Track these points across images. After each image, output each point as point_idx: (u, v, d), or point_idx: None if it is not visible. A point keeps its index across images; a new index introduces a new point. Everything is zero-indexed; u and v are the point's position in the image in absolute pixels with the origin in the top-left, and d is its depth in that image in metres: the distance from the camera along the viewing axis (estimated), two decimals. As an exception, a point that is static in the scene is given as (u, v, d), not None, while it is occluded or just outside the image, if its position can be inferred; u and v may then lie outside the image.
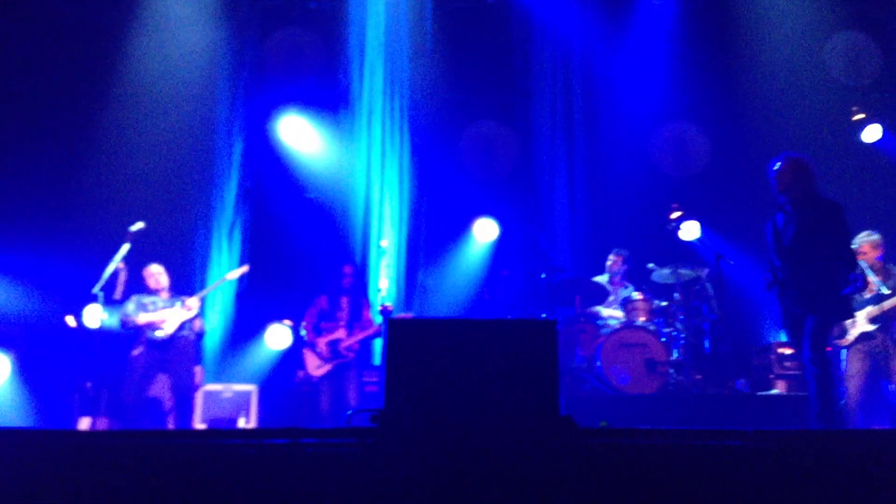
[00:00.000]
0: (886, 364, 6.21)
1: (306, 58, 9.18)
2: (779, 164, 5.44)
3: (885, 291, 6.16)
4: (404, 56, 9.50)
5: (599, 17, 9.46)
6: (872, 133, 8.12)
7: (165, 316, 6.82)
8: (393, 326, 3.42)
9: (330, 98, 9.29)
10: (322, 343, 7.22)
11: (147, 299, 6.94)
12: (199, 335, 7.14)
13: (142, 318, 6.78)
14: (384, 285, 7.26)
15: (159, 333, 6.74)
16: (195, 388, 7.11)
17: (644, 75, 9.34)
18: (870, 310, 6.18)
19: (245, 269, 7.61)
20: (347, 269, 7.48)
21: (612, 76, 9.45)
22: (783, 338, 7.63)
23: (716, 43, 9.28)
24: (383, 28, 9.50)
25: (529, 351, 3.36)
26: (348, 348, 7.19)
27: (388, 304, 7.13)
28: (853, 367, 6.16)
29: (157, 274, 7.06)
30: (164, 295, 7.03)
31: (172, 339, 6.78)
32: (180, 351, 6.82)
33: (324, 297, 7.42)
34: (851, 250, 5.30)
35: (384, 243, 7.77)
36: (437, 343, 3.37)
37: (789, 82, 8.83)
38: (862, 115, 8.21)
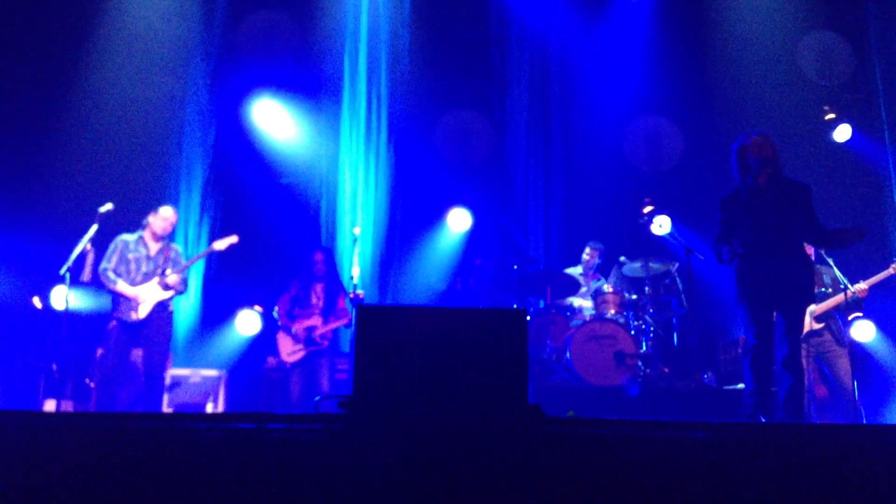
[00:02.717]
0: (832, 363, 6.34)
1: (281, 42, 9.10)
2: (763, 137, 5.24)
3: (862, 285, 6.30)
4: (381, 42, 9.46)
5: (576, 11, 9.48)
6: (843, 133, 8.22)
7: (143, 295, 6.53)
8: (363, 313, 3.42)
9: (305, 83, 9.23)
10: (296, 329, 7.18)
11: (132, 253, 6.62)
12: (179, 291, 6.83)
13: (120, 286, 6.50)
14: (356, 273, 7.23)
15: (133, 315, 6.51)
16: (166, 367, 6.94)
17: (619, 69, 9.39)
18: (813, 308, 6.30)
19: (234, 239, 7.07)
20: (318, 257, 7.43)
21: (588, 70, 9.48)
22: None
23: (691, 39, 9.34)
24: (361, 13, 9.45)
25: (499, 340, 3.37)
26: (322, 336, 7.16)
27: (360, 291, 7.11)
28: None
29: (168, 219, 6.72)
30: (155, 248, 6.69)
31: (148, 316, 6.61)
32: (155, 328, 6.58)
33: (297, 284, 7.38)
34: (823, 229, 5.16)
35: (357, 231, 7.73)
36: (407, 330, 3.37)
37: (763, 80, 8.91)
38: (833, 115, 8.31)
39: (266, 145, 9.12)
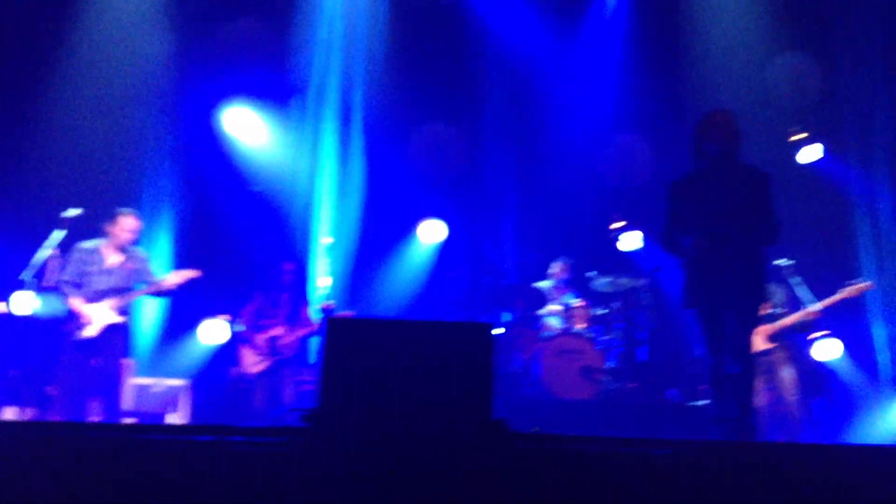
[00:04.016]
0: (776, 376, 6.44)
1: (256, 49, 9.02)
2: (724, 116, 4.84)
3: (816, 307, 6.38)
4: (358, 52, 9.44)
5: (553, 27, 9.55)
6: (811, 153, 8.32)
7: (93, 315, 6.33)
8: (331, 325, 3.39)
9: (278, 91, 9.17)
10: (260, 339, 7.14)
11: (89, 266, 6.39)
12: (165, 293, 6.70)
13: (73, 302, 6.33)
14: (325, 283, 7.20)
15: (79, 334, 6.29)
16: (122, 378, 6.65)
17: (594, 85, 9.47)
18: (766, 328, 6.39)
19: (196, 273, 6.78)
20: (288, 266, 7.41)
21: (563, 85, 9.54)
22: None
23: (664, 58, 9.43)
24: (337, 23, 9.43)
25: (465, 353, 3.35)
26: (287, 345, 7.12)
27: (329, 302, 7.08)
28: None
29: (129, 229, 6.46)
30: (115, 260, 6.46)
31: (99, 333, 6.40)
32: (106, 341, 6.38)
33: (262, 293, 7.34)
34: (777, 224, 4.75)
35: (327, 240, 7.71)
36: (374, 343, 3.35)
37: (733, 99, 8.98)
38: (802, 135, 8.42)
39: (237, 152, 9.05)
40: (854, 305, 7.16)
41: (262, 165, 9.09)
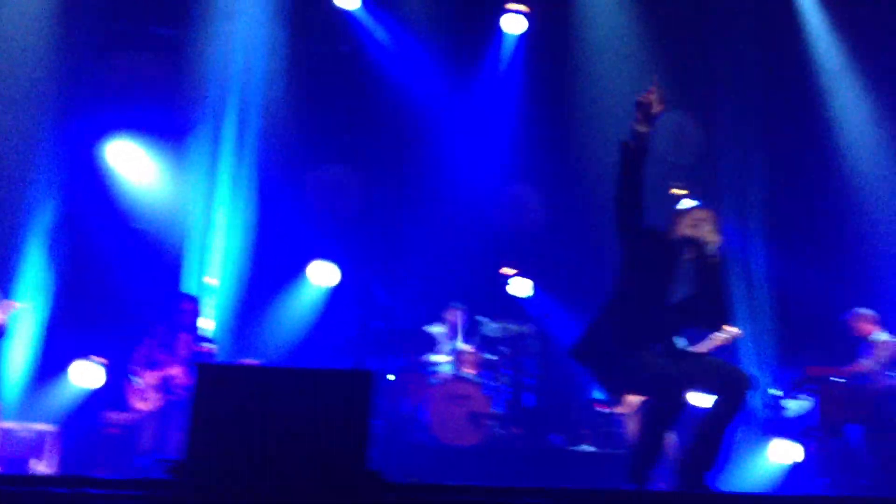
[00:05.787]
0: None
1: (147, 84, 8.80)
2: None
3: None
4: (254, 92, 9.33)
5: (449, 77, 9.72)
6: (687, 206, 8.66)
7: None
8: (201, 371, 3.27)
9: (168, 128, 8.93)
10: (153, 377, 6.81)
11: None
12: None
13: None
14: (208, 325, 6.97)
15: None
16: None
17: (487, 136, 9.66)
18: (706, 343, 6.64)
19: (22, 305, 6.77)
20: (188, 305, 7.14)
21: (458, 134, 9.70)
22: (598, 395, 7.93)
23: (554, 111, 9.74)
24: (234, 62, 9.31)
25: (342, 401, 3.28)
26: (181, 386, 6.83)
27: (213, 346, 6.85)
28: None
29: None
30: None
31: None
32: None
33: (160, 331, 7.03)
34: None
35: (212, 281, 7.47)
36: (247, 391, 3.23)
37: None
38: (683, 191, 8.77)
39: (121, 188, 8.74)
40: (726, 351, 7.43)
41: (147, 202, 8.82)
